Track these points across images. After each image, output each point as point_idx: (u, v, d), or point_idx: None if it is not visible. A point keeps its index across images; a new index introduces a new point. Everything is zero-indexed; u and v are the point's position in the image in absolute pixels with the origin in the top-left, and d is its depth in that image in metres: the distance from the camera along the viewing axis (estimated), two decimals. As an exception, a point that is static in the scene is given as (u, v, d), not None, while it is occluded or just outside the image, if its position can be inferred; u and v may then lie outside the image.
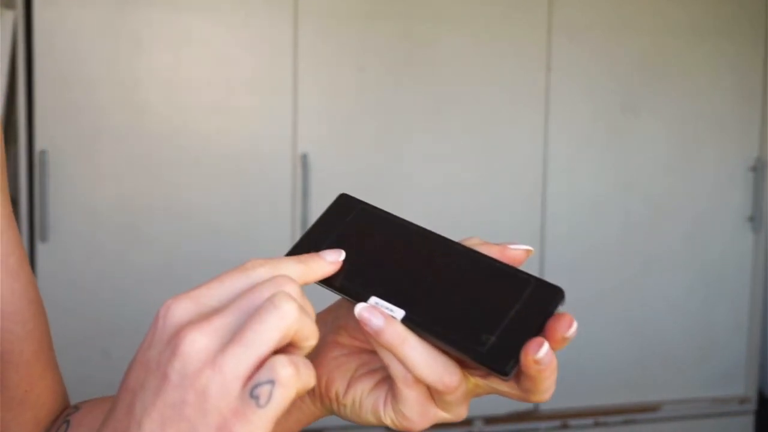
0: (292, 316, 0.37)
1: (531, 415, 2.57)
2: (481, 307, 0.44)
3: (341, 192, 0.52)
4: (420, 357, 0.43)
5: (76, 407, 0.59)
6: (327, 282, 0.47)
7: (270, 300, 0.38)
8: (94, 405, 0.58)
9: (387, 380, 0.48)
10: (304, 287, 0.43)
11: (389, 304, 0.45)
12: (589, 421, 2.61)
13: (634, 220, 2.59)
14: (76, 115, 2.19)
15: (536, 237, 2.49)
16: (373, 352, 0.49)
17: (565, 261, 2.52)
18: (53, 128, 2.18)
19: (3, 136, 0.58)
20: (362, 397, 0.48)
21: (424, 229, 0.48)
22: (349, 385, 0.49)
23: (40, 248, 2.19)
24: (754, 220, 2.65)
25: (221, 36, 2.27)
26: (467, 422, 2.52)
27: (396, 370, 0.44)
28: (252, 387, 0.36)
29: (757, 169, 2.64)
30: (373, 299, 0.45)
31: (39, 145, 2.17)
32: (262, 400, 0.36)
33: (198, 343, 0.36)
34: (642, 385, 2.66)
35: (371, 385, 0.48)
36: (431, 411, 0.46)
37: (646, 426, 2.65)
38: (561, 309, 0.44)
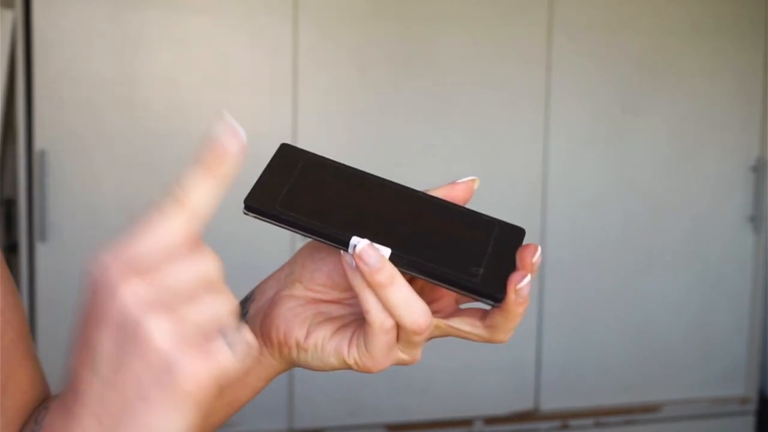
0: (217, 268, 0.40)
1: (531, 415, 2.57)
2: (460, 244, 0.47)
3: (283, 142, 0.51)
4: (403, 298, 0.45)
5: (57, 395, 0.60)
6: (302, 227, 0.46)
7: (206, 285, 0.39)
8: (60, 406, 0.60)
9: (350, 325, 0.50)
10: (277, 250, 0.45)
11: (376, 244, 0.45)
12: (590, 421, 2.61)
13: (635, 220, 2.58)
14: (76, 115, 2.19)
15: (536, 237, 2.49)
16: (328, 302, 0.51)
17: (565, 261, 2.51)
18: (52, 128, 2.17)
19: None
20: (324, 342, 0.50)
21: (379, 176, 0.50)
22: (308, 332, 0.50)
23: (40, 248, 2.19)
24: (754, 220, 2.65)
25: (221, 36, 2.27)
26: (467, 422, 2.52)
27: (376, 315, 0.46)
28: (229, 337, 0.38)
29: (757, 168, 2.63)
30: (357, 239, 0.45)
31: (38, 145, 2.16)
32: (238, 354, 0.37)
33: (134, 288, 0.37)
34: (642, 385, 2.65)
35: (332, 331, 0.50)
36: (394, 352, 0.48)
37: (647, 426, 2.65)
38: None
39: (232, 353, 0.37)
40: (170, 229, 0.40)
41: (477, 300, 0.46)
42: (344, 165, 0.50)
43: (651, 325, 2.63)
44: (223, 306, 0.39)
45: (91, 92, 2.19)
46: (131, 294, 0.37)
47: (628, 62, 2.53)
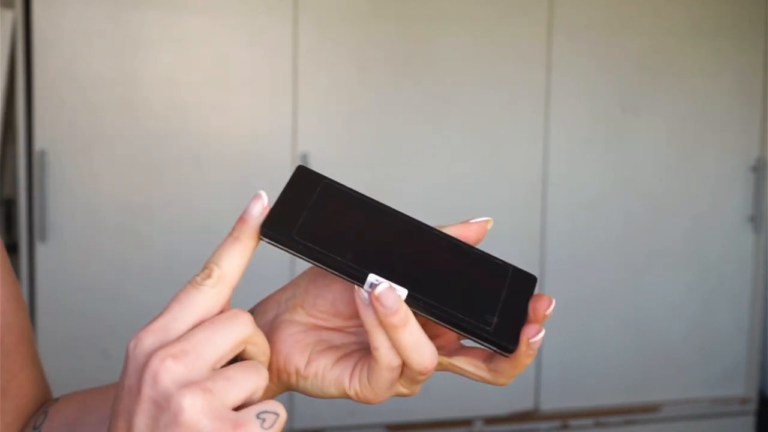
0: (249, 327, 0.43)
1: (531, 415, 2.57)
2: (474, 289, 0.46)
3: (299, 165, 0.51)
4: (414, 341, 0.45)
5: (56, 400, 0.60)
6: (316, 258, 0.45)
7: (226, 316, 0.43)
8: (71, 397, 0.60)
9: (352, 355, 0.49)
10: (287, 270, 0.45)
11: (394, 284, 0.44)
12: (589, 421, 2.61)
13: (635, 220, 2.58)
14: (76, 115, 2.19)
15: (536, 237, 2.49)
16: (331, 329, 0.50)
17: (565, 261, 2.51)
18: (52, 128, 2.17)
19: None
20: (325, 371, 0.49)
21: (393, 209, 0.49)
22: (309, 360, 0.49)
23: (40, 248, 2.19)
24: (754, 220, 2.65)
25: (221, 36, 2.27)
26: (467, 422, 2.52)
27: (385, 354, 0.45)
28: (259, 411, 0.40)
29: (757, 168, 2.63)
30: (375, 277, 0.44)
31: (38, 145, 2.16)
32: (267, 423, 0.40)
33: (170, 369, 0.40)
34: (642, 385, 2.65)
35: (333, 360, 0.49)
36: (395, 387, 0.48)
37: (647, 426, 2.65)
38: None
39: (263, 428, 0.40)
40: (204, 303, 0.43)
41: (488, 348, 0.46)
42: (359, 194, 0.49)
43: (651, 325, 2.63)
44: (255, 380, 0.42)
45: (91, 92, 2.19)
46: (166, 372, 0.39)
47: (628, 62, 2.53)
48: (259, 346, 0.44)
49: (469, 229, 0.49)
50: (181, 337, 0.41)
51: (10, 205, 2.35)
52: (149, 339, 0.41)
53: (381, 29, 2.35)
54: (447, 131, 2.43)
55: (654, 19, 2.54)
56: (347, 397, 0.49)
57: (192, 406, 0.39)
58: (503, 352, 0.45)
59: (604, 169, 2.55)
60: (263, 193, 0.47)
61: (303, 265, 0.48)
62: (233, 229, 0.45)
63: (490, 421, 2.53)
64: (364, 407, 2.44)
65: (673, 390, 2.68)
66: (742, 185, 2.65)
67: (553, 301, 0.47)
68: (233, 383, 0.40)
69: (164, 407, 0.39)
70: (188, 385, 0.39)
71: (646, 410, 2.65)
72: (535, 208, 2.50)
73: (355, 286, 0.45)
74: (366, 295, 0.44)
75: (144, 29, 2.21)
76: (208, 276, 0.44)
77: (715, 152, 2.63)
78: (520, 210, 2.49)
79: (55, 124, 2.18)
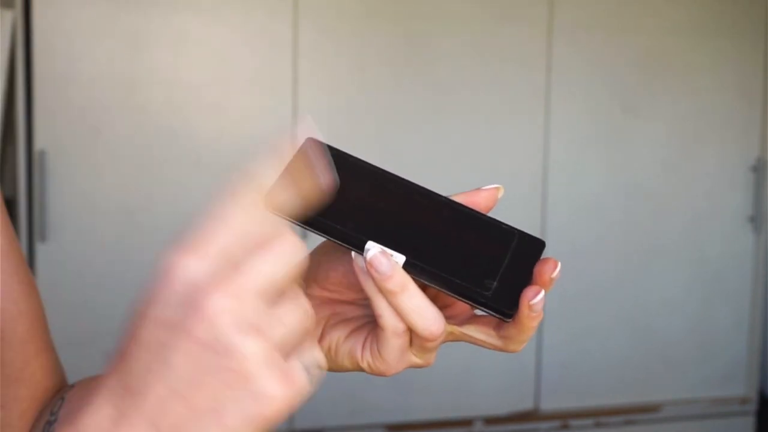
0: (302, 253, 0.38)
1: (531, 415, 2.57)
2: (476, 254, 0.46)
3: (308, 136, 0.51)
4: (415, 305, 0.45)
5: (72, 386, 0.60)
6: (318, 227, 0.46)
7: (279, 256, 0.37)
8: (88, 382, 0.60)
9: (364, 327, 0.49)
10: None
11: (390, 250, 0.45)
12: (589, 421, 2.61)
13: (634, 220, 2.58)
14: (76, 115, 2.19)
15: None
16: (343, 302, 0.50)
17: (565, 261, 2.48)
18: (52, 128, 2.17)
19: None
20: (338, 344, 0.49)
21: (401, 177, 0.49)
22: (323, 334, 0.50)
23: (40, 248, 2.19)
24: (754, 220, 2.65)
25: (221, 36, 2.27)
26: (467, 422, 2.52)
27: (388, 319, 0.45)
28: (306, 362, 0.37)
29: (757, 168, 2.63)
30: (371, 244, 0.45)
31: (38, 145, 2.16)
32: (313, 378, 0.37)
33: (230, 309, 0.35)
34: (642, 385, 2.65)
35: (346, 333, 0.49)
36: (407, 356, 0.48)
37: (647, 426, 2.65)
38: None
39: (307, 377, 0.37)
40: (245, 222, 0.38)
41: (488, 313, 0.46)
42: (368, 163, 0.49)
43: (651, 325, 2.63)
44: (303, 319, 0.38)
45: (91, 92, 2.19)
46: (225, 314, 0.35)
47: (628, 62, 2.53)
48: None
49: (479, 195, 0.49)
50: (234, 268, 0.36)
51: (10, 205, 2.35)
52: (194, 266, 0.36)
53: (381, 29, 2.35)
54: (447, 131, 2.42)
55: (654, 19, 2.54)
56: (360, 369, 0.49)
57: (254, 355, 0.35)
58: (503, 317, 0.45)
59: (604, 169, 2.55)
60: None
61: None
62: (275, 148, 0.43)
63: (490, 421, 2.53)
64: (364, 407, 2.44)
65: (673, 390, 2.68)
66: (742, 185, 2.65)
67: (559, 264, 0.47)
68: (288, 328, 0.37)
69: (220, 353, 0.35)
70: (249, 329, 0.35)
71: (646, 410, 2.65)
72: (534, 209, 2.50)
73: (352, 253, 0.45)
74: (363, 261, 0.45)
75: (144, 29, 2.21)
76: (248, 187, 0.40)
77: (715, 152, 2.63)
78: (519, 210, 2.49)
79: (55, 124, 2.18)
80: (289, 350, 0.37)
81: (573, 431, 2.60)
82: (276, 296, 0.37)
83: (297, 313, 0.38)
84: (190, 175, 2.26)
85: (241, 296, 0.35)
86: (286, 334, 0.37)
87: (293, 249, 0.38)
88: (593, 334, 2.58)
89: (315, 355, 0.38)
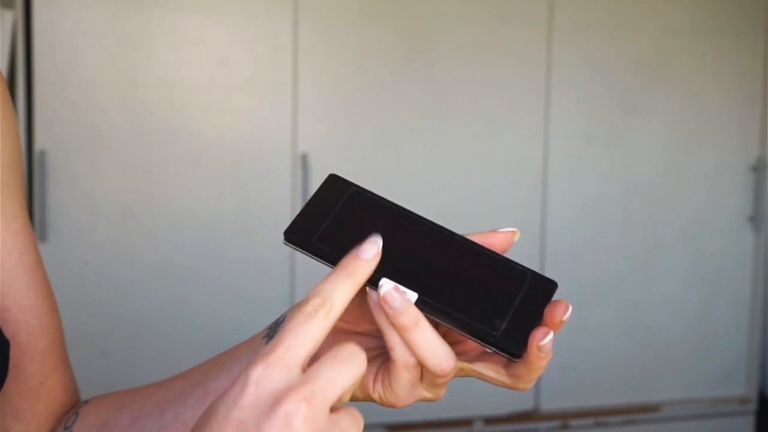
0: (365, 365, 0.43)
1: (531, 415, 2.57)
2: (488, 294, 0.47)
3: (330, 173, 0.52)
4: (427, 342, 0.46)
5: (86, 401, 0.62)
6: (331, 260, 0.47)
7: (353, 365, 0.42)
8: (102, 399, 0.61)
9: (376, 360, 0.50)
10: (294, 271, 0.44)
11: (403, 287, 0.46)
12: (589, 421, 2.61)
13: (634, 220, 2.58)
14: (76, 115, 2.19)
15: (536, 237, 2.49)
16: (357, 333, 0.52)
17: (565, 261, 2.51)
18: (53, 128, 2.18)
19: (20, 139, 0.63)
20: None
21: (419, 215, 0.50)
22: None
23: (40, 248, 2.19)
24: (754, 220, 2.65)
25: (221, 36, 2.27)
26: (467, 422, 2.52)
27: (400, 353, 0.47)
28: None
29: (757, 169, 2.63)
30: (385, 280, 0.46)
31: (38, 145, 2.16)
32: None
33: (303, 413, 0.39)
34: (642, 385, 2.65)
35: None
36: (417, 390, 0.49)
37: (647, 426, 2.65)
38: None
39: None
40: (316, 335, 0.42)
41: (497, 353, 0.47)
42: (387, 201, 0.51)
43: (651, 326, 2.63)
44: (358, 429, 0.43)
45: (91, 92, 2.19)
46: (300, 417, 0.39)
47: (628, 62, 2.53)
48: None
49: (495, 237, 0.50)
50: (308, 377, 0.40)
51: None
52: (275, 374, 0.40)
53: (381, 29, 2.35)
54: (447, 131, 2.42)
55: (654, 19, 2.54)
56: (372, 400, 0.50)
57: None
58: (511, 357, 0.46)
59: (604, 169, 2.55)
60: (379, 239, 0.46)
61: (302, 271, 0.48)
62: (346, 263, 0.45)
63: (490, 421, 2.53)
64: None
65: (673, 390, 2.68)
66: (742, 185, 2.65)
67: (570, 307, 0.47)
68: (350, 428, 0.42)
69: None
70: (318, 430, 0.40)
71: (646, 410, 2.65)
72: (534, 209, 2.50)
73: (367, 288, 0.47)
74: (376, 296, 0.46)
75: (144, 29, 2.21)
76: (322, 307, 0.43)
77: (715, 152, 2.63)
78: (519, 210, 2.49)
79: (56, 124, 2.18)
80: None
81: (573, 431, 2.60)
82: (338, 403, 0.42)
83: (354, 422, 0.43)
84: (190, 175, 2.26)
85: (313, 402, 0.40)
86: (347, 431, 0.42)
87: (359, 362, 0.42)
88: (593, 334, 2.58)
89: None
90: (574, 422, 2.60)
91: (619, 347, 2.62)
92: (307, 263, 0.52)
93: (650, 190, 2.59)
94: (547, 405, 2.57)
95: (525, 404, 2.56)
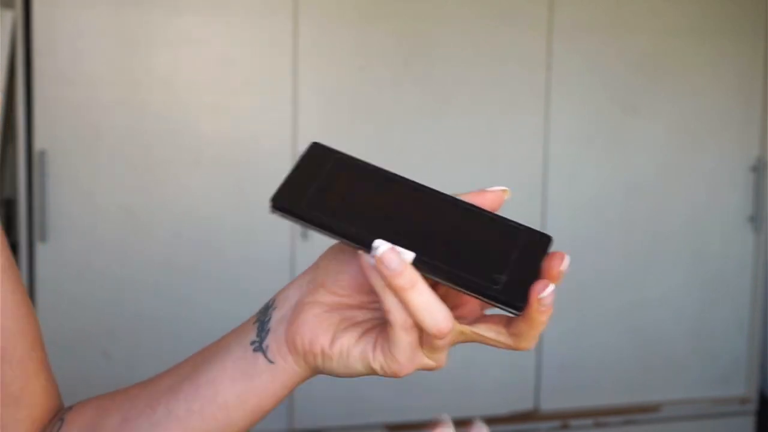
0: None
1: (531, 415, 2.57)
2: (484, 250, 0.47)
3: (313, 141, 0.51)
4: (424, 302, 0.45)
5: (70, 407, 0.60)
6: (326, 227, 0.46)
7: None
8: (87, 404, 0.60)
9: (374, 329, 0.50)
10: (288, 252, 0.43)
11: (399, 247, 0.45)
12: (589, 421, 2.61)
13: (634, 220, 2.58)
14: (76, 115, 2.19)
15: (536, 237, 2.48)
16: (353, 306, 0.51)
17: (565, 261, 2.51)
18: (52, 128, 2.17)
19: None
20: (350, 347, 0.49)
21: (407, 178, 0.49)
22: (334, 339, 0.50)
23: (40, 249, 2.19)
24: (754, 220, 2.65)
25: (221, 36, 2.27)
26: (467, 422, 2.51)
27: (397, 315, 0.46)
28: None
29: (757, 168, 2.63)
30: (380, 241, 0.45)
31: (38, 145, 2.16)
32: None
33: None
34: (642, 385, 2.65)
35: (357, 336, 0.50)
36: (418, 356, 0.48)
37: (647, 426, 2.65)
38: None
39: None
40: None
41: (498, 308, 0.46)
42: (374, 165, 0.50)
43: (651, 325, 2.63)
44: None
45: (91, 92, 2.19)
46: None
47: (628, 62, 2.53)
48: None
49: (484, 197, 0.50)
50: None
51: (10, 205, 2.35)
52: None
53: (381, 29, 2.35)
54: (447, 131, 2.43)
55: (654, 19, 2.54)
56: (374, 372, 0.50)
57: None
58: (513, 311, 0.46)
59: (603, 169, 2.55)
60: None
61: (303, 251, 0.48)
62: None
63: (490, 421, 2.52)
64: (364, 407, 2.44)
65: (673, 390, 2.68)
66: (742, 185, 2.65)
67: (567, 257, 0.47)
68: None
69: None
70: None
71: (646, 410, 2.65)
72: (534, 209, 2.50)
73: (360, 251, 0.46)
74: (372, 259, 0.45)
75: (144, 29, 2.21)
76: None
77: (715, 152, 2.63)
78: (519, 210, 2.47)
79: (55, 124, 2.18)
80: None
81: (573, 431, 2.60)
82: None
83: None
84: (190, 174, 2.26)
85: None
86: None
87: None
88: (593, 334, 2.58)
89: None
90: (574, 422, 2.60)
91: (619, 347, 2.62)
92: (307, 262, 0.52)
93: (650, 190, 2.59)
94: (547, 405, 2.57)
95: (525, 404, 2.56)
